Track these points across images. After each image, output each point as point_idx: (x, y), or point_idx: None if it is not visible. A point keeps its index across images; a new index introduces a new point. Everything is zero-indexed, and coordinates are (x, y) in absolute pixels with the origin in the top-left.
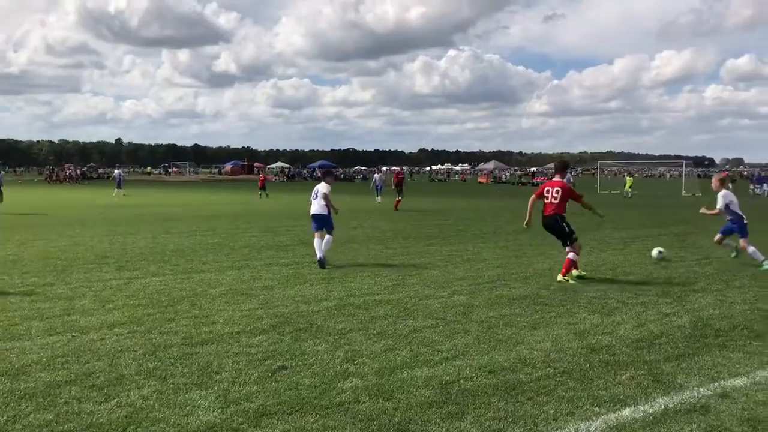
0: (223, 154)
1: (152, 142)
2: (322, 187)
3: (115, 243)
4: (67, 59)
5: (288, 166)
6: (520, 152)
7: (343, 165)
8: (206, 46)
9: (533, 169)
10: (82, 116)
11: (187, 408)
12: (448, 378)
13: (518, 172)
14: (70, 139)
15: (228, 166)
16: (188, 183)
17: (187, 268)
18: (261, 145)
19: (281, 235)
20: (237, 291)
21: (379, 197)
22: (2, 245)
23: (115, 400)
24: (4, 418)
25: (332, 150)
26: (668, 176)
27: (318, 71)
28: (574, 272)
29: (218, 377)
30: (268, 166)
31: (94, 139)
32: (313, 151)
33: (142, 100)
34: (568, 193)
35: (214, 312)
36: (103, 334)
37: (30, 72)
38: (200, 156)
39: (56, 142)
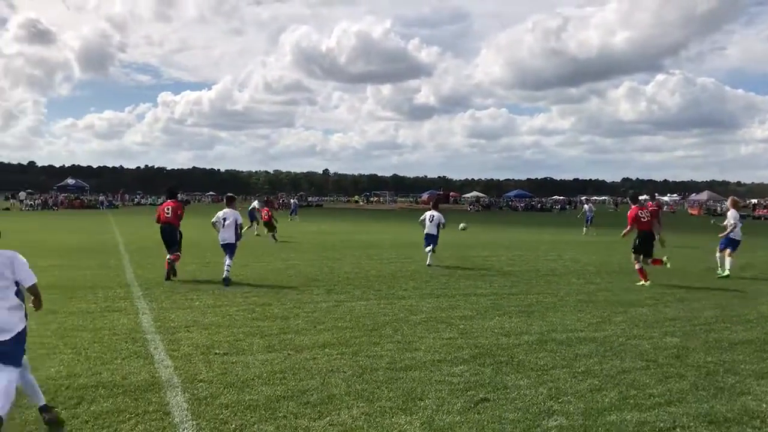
0: (421, 184)
1: (355, 173)
2: (438, 213)
3: (324, 267)
4: (283, 96)
5: (483, 195)
6: (738, 182)
7: (540, 194)
8: (408, 80)
9: (753, 200)
10: (295, 149)
11: None
12: (662, 425)
13: None
14: (284, 170)
15: (425, 195)
16: (387, 211)
17: (389, 293)
18: (456, 174)
19: (478, 265)
20: (437, 319)
21: (585, 229)
22: None
23: (327, 418)
24: (233, 426)
25: (528, 179)
26: None
27: (516, 100)
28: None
29: (422, 404)
30: (463, 196)
31: (304, 170)
32: (509, 180)
33: (348, 133)
34: (656, 214)
35: (415, 339)
36: (315, 354)
37: (251, 109)
38: (399, 185)
39: (271, 172)
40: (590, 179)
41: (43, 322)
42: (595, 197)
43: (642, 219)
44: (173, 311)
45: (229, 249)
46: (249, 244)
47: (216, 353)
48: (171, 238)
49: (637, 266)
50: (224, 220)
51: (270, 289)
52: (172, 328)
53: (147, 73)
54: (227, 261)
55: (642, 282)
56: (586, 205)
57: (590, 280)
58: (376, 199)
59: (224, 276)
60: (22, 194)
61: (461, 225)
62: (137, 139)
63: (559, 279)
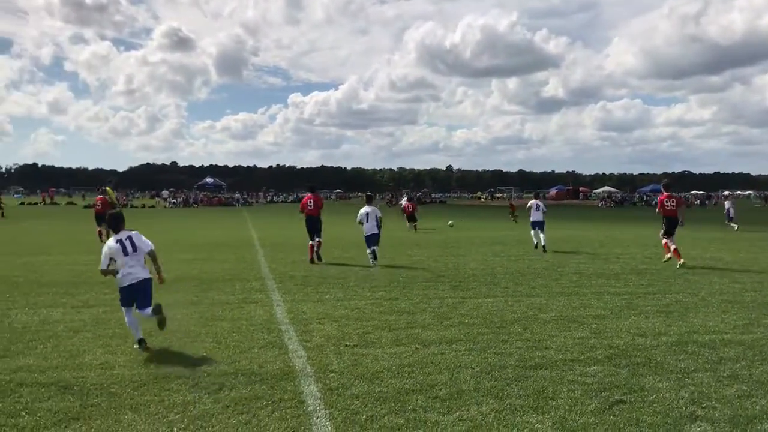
0: (548, 179)
1: (479, 169)
2: (540, 202)
3: (449, 264)
4: (407, 94)
5: (615, 190)
6: None
7: (677, 189)
8: (535, 72)
9: None
10: (418, 146)
11: (525, 431)
12: None
13: None
14: (407, 167)
15: (552, 191)
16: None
17: (517, 291)
18: (586, 169)
19: (611, 263)
20: (567, 318)
21: (729, 224)
22: (354, 261)
23: (457, 413)
24: (364, 416)
25: (664, 173)
26: None
27: (651, 91)
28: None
29: (554, 403)
30: (594, 191)
31: (428, 167)
32: (643, 174)
33: (472, 128)
34: (681, 201)
35: (545, 337)
36: (443, 349)
37: (376, 107)
38: (525, 181)
39: (395, 169)
40: (733, 173)
41: (187, 312)
42: (739, 192)
43: (667, 207)
44: (305, 303)
45: (375, 239)
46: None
47: (346, 345)
48: (314, 226)
49: (664, 242)
50: (367, 215)
51: (396, 284)
52: (305, 319)
53: (277, 76)
54: (374, 248)
55: (668, 256)
56: (727, 201)
57: (735, 279)
58: (500, 195)
59: (372, 259)
60: (165, 192)
61: (449, 222)
62: (269, 140)
63: (699, 278)
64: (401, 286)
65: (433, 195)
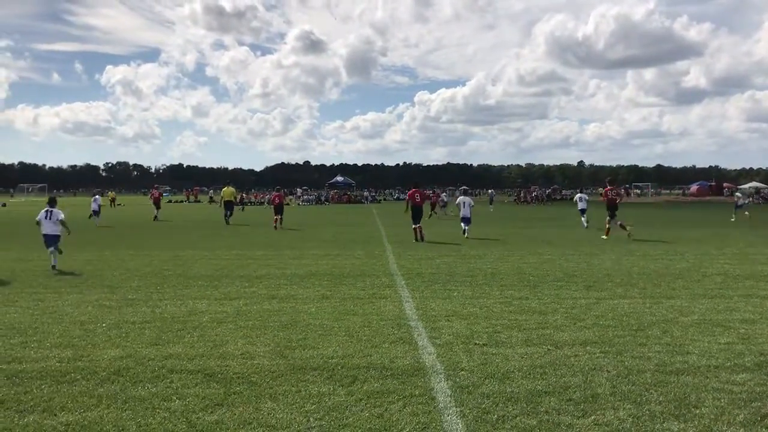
0: (688, 175)
1: (613, 164)
2: (584, 195)
3: (581, 262)
4: (536, 88)
5: (764, 186)
6: None
7: None
8: (674, 62)
9: None
10: (548, 141)
11: None
12: None
13: None
14: (536, 163)
15: (693, 187)
16: (649, 204)
17: (655, 292)
18: (731, 163)
19: (760, 264)
20: (712, 321)
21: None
22: (482, 259)
23: (592, 417)
24: (495, 416)
25: None
26: None
27: None
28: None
29: (697, 412)
30: (740, 187)
31: (558, 162)
32: None
33: (605, 122)
34: (620, 192)
35: (687, 341)
36: (576, 351)
37: (503, 102)
38: (663, 176)
39: (523, 165)
40: None
41: (321, 307)
42: None
43: (609, 196)
44: (433, 300)
45: (467, 220)
46: (509, 239)
47: (475, 343)
48: (418, 214)
49: (607, 226)
50: (463, 203)
51: (526, 283)
52: (433, 316)
53: (405, 75)
54: (466, 227)
55: (604, 237)
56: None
57: None
58: (636, 191)
59: (466, 229)
60: (298, 190)
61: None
62: (396, 138)
63: None
64: (531, 285)
65: (563, 191)
